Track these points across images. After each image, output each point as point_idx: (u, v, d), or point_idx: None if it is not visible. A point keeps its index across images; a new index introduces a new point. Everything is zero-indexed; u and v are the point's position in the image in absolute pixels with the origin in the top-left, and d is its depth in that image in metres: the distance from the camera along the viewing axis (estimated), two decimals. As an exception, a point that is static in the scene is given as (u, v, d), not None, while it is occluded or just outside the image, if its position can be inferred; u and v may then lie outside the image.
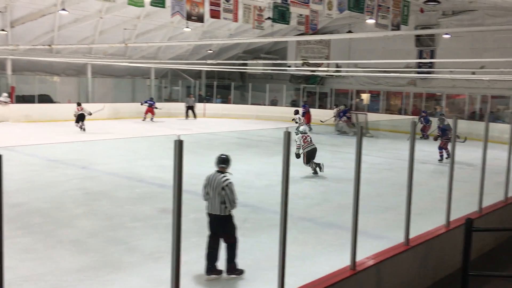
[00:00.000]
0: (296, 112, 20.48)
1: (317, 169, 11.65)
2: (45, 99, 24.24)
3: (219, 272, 5.68)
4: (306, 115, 22.64)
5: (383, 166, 13.46)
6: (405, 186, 5.62)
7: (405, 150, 5.85)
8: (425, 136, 20.01)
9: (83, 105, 19.65)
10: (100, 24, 21.63)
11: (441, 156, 14.50)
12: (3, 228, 2.43)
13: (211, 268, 5.63)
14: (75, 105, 19.74)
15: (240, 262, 6.11)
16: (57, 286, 5.29)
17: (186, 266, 4.98)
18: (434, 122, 18.20)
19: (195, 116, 26.04)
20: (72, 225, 7.45)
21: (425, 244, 5.83)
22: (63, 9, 15.16)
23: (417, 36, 24.36)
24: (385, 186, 11.17)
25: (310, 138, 11.85)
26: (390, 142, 19.06)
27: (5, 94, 21.45)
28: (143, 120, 23.98)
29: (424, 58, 24.74)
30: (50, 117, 21.65)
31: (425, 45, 24.82)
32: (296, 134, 11.93)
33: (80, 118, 18.99)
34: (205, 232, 7.18)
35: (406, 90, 26.18)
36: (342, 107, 23.17)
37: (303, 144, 11.64)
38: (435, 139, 14.86)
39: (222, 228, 5.60)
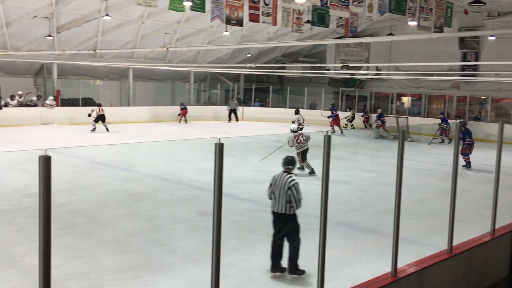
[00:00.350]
0: (297, 112, 20.04)
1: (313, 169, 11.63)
2: (88, 102, 24.93)
3: (283, 269, 5.79)
4: (337, 118, 22.57)
5: (425, 171, 13.16)
6: (447, 192, 5.47)
7: (448, 155, 5.71)
8: (443, 140, 19.61)
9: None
10: (141, 29, 22.09)
11: (467, 162, 13.75)
12: (51, 227, 2.50)
13: (276, 266, 5.77)
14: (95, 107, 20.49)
15: (278, 266, 6.09)
16: (99, 285, 5.40)
17: (224, 269, 5.00)
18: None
19: (237, 119, 26.20)
20: (114, 226, 7.61)
21: (469, 252, 5.65)
22: (107, 15, 15.54)
23: (461, 38, 23.73)
24: (427, 191, 10.90)
25: (303, 138, 11.75)
26: (432, 146, 18.62)
27: (51, 98, 22.18)
28: (179, 122, 24.60)
29: (468, 61, 24.06)
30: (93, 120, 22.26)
31: (469, 47, 24.14)
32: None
33: (100, 118, 19.77)
34: (243, 235, 7.21)
35: (449, 93, 25.52)
36: (329, 106, 23.24)
37: (296, 144, 11.66)
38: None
39: (286, 227, 5.72)
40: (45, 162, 2.58)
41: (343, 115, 24.03)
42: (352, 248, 6.85)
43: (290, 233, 5.81)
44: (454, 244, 5.46)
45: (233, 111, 26.41)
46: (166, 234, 7.21)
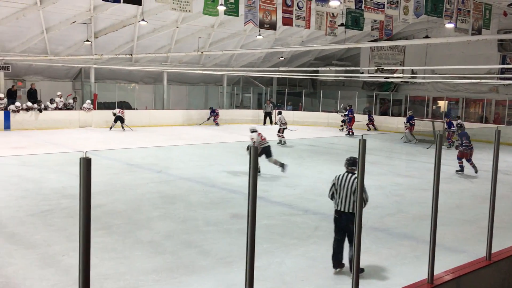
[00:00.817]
0: (279, 113, 19.97)
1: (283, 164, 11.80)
2: (124, 105, 25.45)
3: (343, 265, 5.97)
4: (352, 119, 22.66)
5: (462, 177, 12.85)
6: (485, 198, 5.32)
7: (486, 160, 5.56)
8: (450, 144, 19.14)
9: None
10: (176, 34, 22.41)
11: (461, 166, 13.13)
12: (90, 226, 2.57)
13: (338, 262, 5.95)
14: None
15: (312, 270, 6.07)
16: (134, 285, 5.49)
17: (258, 272, 4.99)
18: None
19: (271, 122, 26.13)
20: (149, 227, 7.72)
21: (509, 260, 5.48)
22: (143, 20, 15.83)
23: (500, 40, 23.11)
24: (464, 197, 10.65)
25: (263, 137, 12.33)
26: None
27: (88, 101, 22.75)
28: (199, 125, 24.84)
29: (508, 64, 23.40)
30: (128, 123, 22.67)
31: (509, 49, 23.49)
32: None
33: (119, 119, 21.27)
34: (276, 239, 7.21)
35: (488, 97, 24.87)
36: (347, 107, 23.29)
37: (260, 141, 12.12)
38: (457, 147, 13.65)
39: (350, 225, 5.76)
40: (86, 164, 2.66)
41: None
42: (387, 254, 6.75)
43: (352, 232, 5.86)
44: (493, 251, 5.31)
45: (268, 114, 26.43)
46: (199, 236, 7.27)
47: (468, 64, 21.92)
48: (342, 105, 26.14)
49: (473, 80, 21.90)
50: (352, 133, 22.17)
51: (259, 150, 11.93)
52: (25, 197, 9.28)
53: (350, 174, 5.94)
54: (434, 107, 27.33)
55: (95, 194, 9.60)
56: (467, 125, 23.98)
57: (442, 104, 27.01)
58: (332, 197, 6.01)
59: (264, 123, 26.31)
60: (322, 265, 6.22)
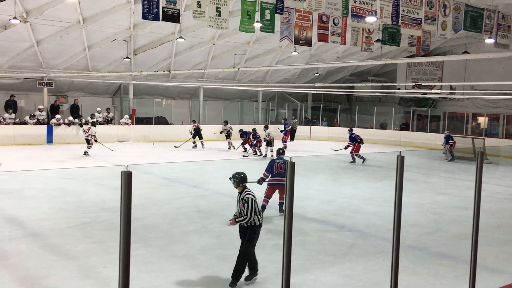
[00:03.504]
0: (266, 128, 20.08)
1: None
2: (161, 120, 25.92)
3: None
4: (288, 133, 22.54)
5: (504, 195, 12.46)
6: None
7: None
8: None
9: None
10: (212, 50, 22.78)
11: None
12: (130, 237, 2.62)
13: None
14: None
15: (347, 289, 5.98)
16: (170, 299, 5.54)
17: (293, 289, 4.96)
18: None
19: (292, 138, 25.47)
20: (184, 241, 7.79)
21: (556, 283, 5.27)
22: (180, 37, 16.16)
23: (543, 55, 22.42)
24: (506, 217, 10.31)
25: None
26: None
27: (126, 116, 23.29)
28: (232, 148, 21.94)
29: (551, 79, 22.66)
30: (165, 138, 23.04)
31: (552, 65, 22.77)
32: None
33: (197, 134, 21.10)
34: (311, 255, 7.14)
35: (529, 113, 24.13)
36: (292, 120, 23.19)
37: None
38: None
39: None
40: (127, 177, 2.73)
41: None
42: (425, 273, 6.58)
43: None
44: (538, 273, 5.12)
45: (292, 130, 25.81)
46: (234, 251, 7.25)
47: (509, 80, 21.35)
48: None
49: (514, 96, 21.32)
50: (259, 152, 19.24)
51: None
52: (66, 209, 9.54)
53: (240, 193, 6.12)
54: (473, 123, 26.67)
55: (132, 207, 9.74)
56: (509, 142, 23.36)
57: (482, 121, 26.33)
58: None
59: (292, 139, 25.77)
60: (358, 284, 6.13)
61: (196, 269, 6.48)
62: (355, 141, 17.96)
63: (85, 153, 17.61)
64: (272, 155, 17.71)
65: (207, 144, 21.51)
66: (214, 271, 6.45)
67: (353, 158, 17.83)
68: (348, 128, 19.94)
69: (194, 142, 21.23)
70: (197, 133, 21.18)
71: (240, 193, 6.17)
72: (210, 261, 6.84)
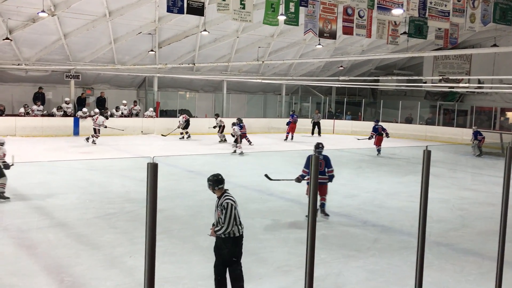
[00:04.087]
0: (234, 124, 18.38)
1: None
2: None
3: None
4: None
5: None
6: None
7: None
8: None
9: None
10: (236, 43, 22.79)
11: None
12: (156, 228, 2.65)
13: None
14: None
15: (371, 284, 5.95)
16: (193, 290, 5.59)
17: (315, 282, 4.95)
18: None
19: (319, 133, 25.39)
20: (208, 233, 7.83)
21: None
22: (205, 30, 16.21)
23: None
24: (534, 214, 10.07)
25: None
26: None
27: (151, 109, 23.51)
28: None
29: None
30: (189, 130, 23.19)
31: None
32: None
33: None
34: (334, 250, 7.12)
35: (561, 108, 23.50)
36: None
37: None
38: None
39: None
40: (153, 169, 2.75)
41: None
42: (450, 270, 6.50)
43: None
44: None
45: (316, 124, 25.50)
46: (257, 244, 7.30)
47: (540, 74, 20.82)
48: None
49: (545, 90, 20.78)
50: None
51: None
52: (92, 200, 9.70)
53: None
54: (502, 118, 26.09)
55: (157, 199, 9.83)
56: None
57: (511, 115, 25.74)
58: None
59: (312, 133, 25.40)
60: (382, 279, 6.09)
61: (219, 261, 6.51)
62: (377, 133, 18.02)
63: (93, 141, 18.25)
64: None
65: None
66: (237, 263, 6.47)
67: (378, 150, 17.99)
68: (374, 119, 20.35)
69: (182, 133, 21.54)
70: (187, 124, 21.51)
71: (219, 198, 5.32)
72: (233, 253, 6.87)
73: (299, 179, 8.69)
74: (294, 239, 7.52)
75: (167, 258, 6.52)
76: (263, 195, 10.88)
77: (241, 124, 18.56)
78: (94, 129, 18.50)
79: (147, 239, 2.72)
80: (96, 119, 18.60)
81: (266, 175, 9.39)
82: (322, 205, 8.75)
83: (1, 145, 9.33)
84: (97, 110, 20.94)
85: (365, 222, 8.83)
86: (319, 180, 7.76)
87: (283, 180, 9.71)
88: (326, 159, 8.71)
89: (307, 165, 8.46)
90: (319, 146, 9.03)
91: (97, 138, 18.38)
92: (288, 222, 8.60)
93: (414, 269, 4.07)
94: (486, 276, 6.20)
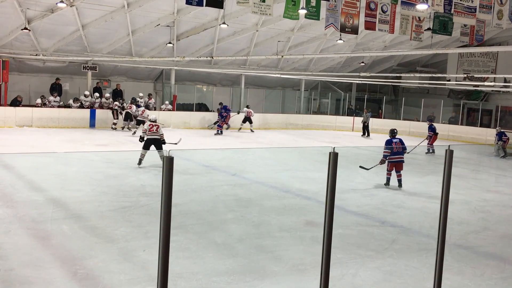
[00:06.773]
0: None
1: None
2: (201, 107, 26.04)
3: None
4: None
5: (557, 195, 11.82)
6: None
7: None
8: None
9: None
10: (255, 37, 22.61)
11: None
12: (170, 222, 2.55)
13: None
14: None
15: (388, 285, 5.78)
16: (207, 286, 5.49)
17: (331, 282, 4.81)
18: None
19: (368, 133, 24.12)
20: (223, 229, 7.74)
21: None
22: (224, 23, 16.08)
23: None
24: (559, 217, 9.76)
25: (157, 128, 12.53)
26: None
27: (167, 102, 23.46)
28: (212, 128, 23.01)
29: None
30: (205, 125, 23.14)
31: None
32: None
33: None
34: (351, 249, 6.95)
35: None
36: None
37: (148, 131, 12.46)
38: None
39: None
40: (168, 162, 2.68)
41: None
42: (470, 273, 6.29)
43: None
44: None
45: (365, 124, 24.18)
46: (272, 241, 7.18)
47: None
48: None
49: None
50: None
51: (148, 140, 12.45)
52: (107, 193, 9.68)
53: None
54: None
55: (172, 193, 9.81)
56: None
57: (536, 116, 25.14)
58: None
59: (363, 133, 24.27)
60: (399, 280, 5.92)
61: (233, 257, 6.41)
62: (434, 132, 18.52)
63: (134, 133, 19.10)
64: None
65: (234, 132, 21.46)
66: (251, 260, 6.36)
67: (430, 150, 18.39)
68: (427, 119, 21.08)
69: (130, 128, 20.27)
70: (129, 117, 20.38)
71: None
72: (248, 250, 6.76)
73: (383, 161, 11.09)
74: (310, 237, 7.37)
75: (181, 253, 6.43)
76: (279, 192, 10.76)
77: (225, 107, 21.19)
78: (139, 121, 18.88)
79: (161, 233, 2.64)
80: (143, 112, 19.13)
81: (361, 166, 11.85)
82: (399, 181, 11.11)
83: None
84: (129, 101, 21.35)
85: (384, 222, 8.64)
86: (399, 159, 11.04)
87: (374, 166, 11.58)
88: (401, 142, 11.23)
89: (388, 148, 11.03)
90: (394, 132, 11.48)
91: (116, 120, 19.49)
92: (304, 220, 8.46)
93: (433, 271, 3.92)
94: (508, 281, 6.00)
